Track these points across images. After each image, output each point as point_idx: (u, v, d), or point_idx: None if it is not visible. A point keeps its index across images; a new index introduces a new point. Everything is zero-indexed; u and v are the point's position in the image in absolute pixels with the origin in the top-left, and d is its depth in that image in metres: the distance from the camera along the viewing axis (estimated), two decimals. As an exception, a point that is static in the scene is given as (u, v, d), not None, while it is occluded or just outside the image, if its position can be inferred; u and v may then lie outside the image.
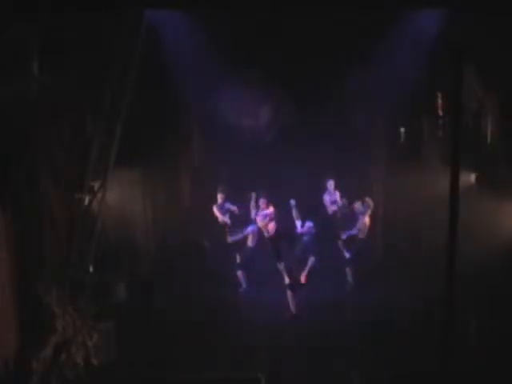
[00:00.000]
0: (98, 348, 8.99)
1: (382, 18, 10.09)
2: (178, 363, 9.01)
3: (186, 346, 9.56)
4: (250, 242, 11.88)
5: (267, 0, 9.14)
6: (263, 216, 11.21)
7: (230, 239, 11.90)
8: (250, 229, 11.66)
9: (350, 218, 11.88)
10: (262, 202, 11.47)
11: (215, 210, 12.09)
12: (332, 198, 12.20)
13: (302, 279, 10.63)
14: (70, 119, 9.27)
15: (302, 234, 10.84)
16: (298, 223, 10.88)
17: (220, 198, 12.07)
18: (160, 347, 9.45)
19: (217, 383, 8.62)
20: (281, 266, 10.83)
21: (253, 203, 11.63)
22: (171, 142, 12.69)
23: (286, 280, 10.77)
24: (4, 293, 8.36)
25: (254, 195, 11.64)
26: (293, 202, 11.01)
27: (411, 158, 12.25)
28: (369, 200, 11.75)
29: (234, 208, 11.99)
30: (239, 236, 11.79)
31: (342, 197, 12.14)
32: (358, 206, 11.71)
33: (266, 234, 11.20)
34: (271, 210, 11.34)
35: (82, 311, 9.01)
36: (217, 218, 12.13)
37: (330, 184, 12.14)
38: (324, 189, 12.30)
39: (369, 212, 11.73)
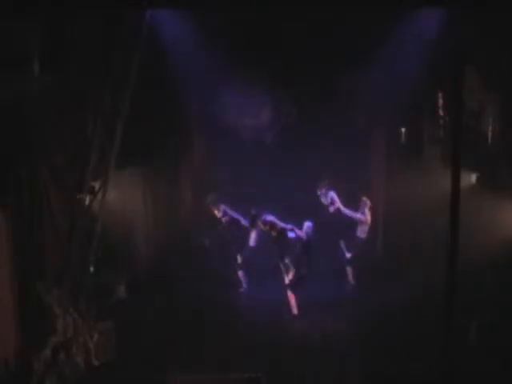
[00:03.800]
0: (98, 348, 8.99)
1: (383, 18, 10.10)
2: (177, 363, 9.00)
3: (185, 345, 9.55)
4: (251, 242, 11.87)
5: (267, 0, 9.12)
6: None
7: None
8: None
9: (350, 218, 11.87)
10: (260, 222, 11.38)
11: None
12: (327, 199, 12.05)
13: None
14: (70, 119, 9.27)
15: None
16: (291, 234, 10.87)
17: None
18: (160, 347, 9.44)
19: (217, 383, 8.61)
20: (283, 264, 10.82)
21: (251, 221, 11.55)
22: (171, 142, 12.69)
23: (288, 278, 10.76)
24: (4, 293, 8.36)
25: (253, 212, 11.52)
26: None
27: (411, 158, 12.25)
28: (366, 199, 11.74)
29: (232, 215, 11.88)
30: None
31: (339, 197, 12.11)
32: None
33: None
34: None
35: (82, 311, 9.01)
36: (216, 217, 12.10)
37: (325, 186, 12.00)
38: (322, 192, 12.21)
39: (367, 211, 11.71)
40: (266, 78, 12.06)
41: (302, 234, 10.76)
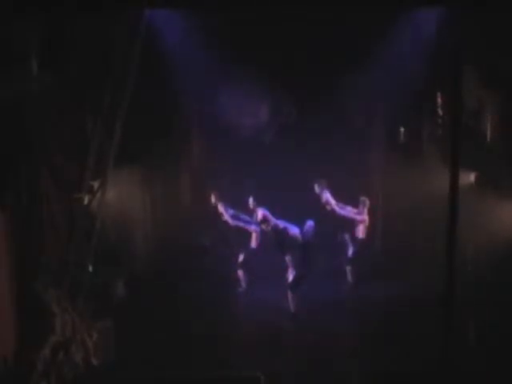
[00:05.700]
0: (97, 347, 8.99)
1: (382, 18, 10.10)
2: (177, 363, 9.00)
3: (185, 345, 9.55)
4: (252, 243, 11.85)
5: (267, 0, 9.13)
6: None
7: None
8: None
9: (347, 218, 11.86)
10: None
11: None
12: (323, 198, 11.97)
13: None
14: (69, 119, 9.28)
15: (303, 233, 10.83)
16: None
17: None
18: (160, 347, 9.44)
19: (217, 383, 8.61)
20: (283, 261, 10.79)
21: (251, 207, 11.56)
22: (171, 142, 12.69)
23: (288, 277, 10.74)
24: (4, 293, 8.37)
25: (250, 200, 11.55)
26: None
27: (411, 158, 12.24)
28: (365, 199, 11.74)
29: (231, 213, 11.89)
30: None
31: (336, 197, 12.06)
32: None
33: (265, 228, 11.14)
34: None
35: (80, 310, 9.00)
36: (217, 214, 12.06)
37: (319, 186, 11.95)
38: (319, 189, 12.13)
39: (365, 210, 11.70)
40: (266, 77, 12.05)
41: (295, 232, 10.75)
